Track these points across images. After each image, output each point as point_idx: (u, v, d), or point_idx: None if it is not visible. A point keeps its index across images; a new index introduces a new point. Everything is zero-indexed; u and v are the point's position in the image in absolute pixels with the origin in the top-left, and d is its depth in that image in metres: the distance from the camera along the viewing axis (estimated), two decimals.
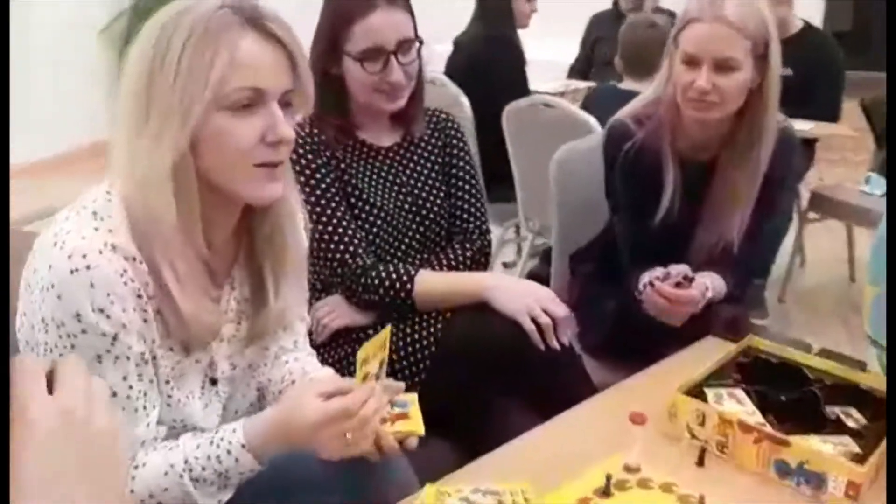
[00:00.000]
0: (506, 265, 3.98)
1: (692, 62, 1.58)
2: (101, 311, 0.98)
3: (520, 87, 3.30)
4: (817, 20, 5.30)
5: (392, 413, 1.12)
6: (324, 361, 1.56)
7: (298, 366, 1.27)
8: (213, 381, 1.17)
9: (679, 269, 1.58)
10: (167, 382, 1.09)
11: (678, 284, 1.56)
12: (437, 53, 5.29)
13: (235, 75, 1.01)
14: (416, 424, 1.09)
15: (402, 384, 1.19)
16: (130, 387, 1.03)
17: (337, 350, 1.56)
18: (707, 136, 1.67)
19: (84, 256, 0.98)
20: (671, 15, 4.30)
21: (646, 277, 1.59)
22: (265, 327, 1.18)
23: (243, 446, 1.05)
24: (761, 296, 3.38)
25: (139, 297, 1.01)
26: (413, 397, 1.14)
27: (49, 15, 4.80)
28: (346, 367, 1.54)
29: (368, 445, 1.06)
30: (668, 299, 1.55)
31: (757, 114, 1.62)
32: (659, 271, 1.59)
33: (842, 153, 5.33)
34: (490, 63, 3.31)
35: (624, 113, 1.75)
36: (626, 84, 3.10)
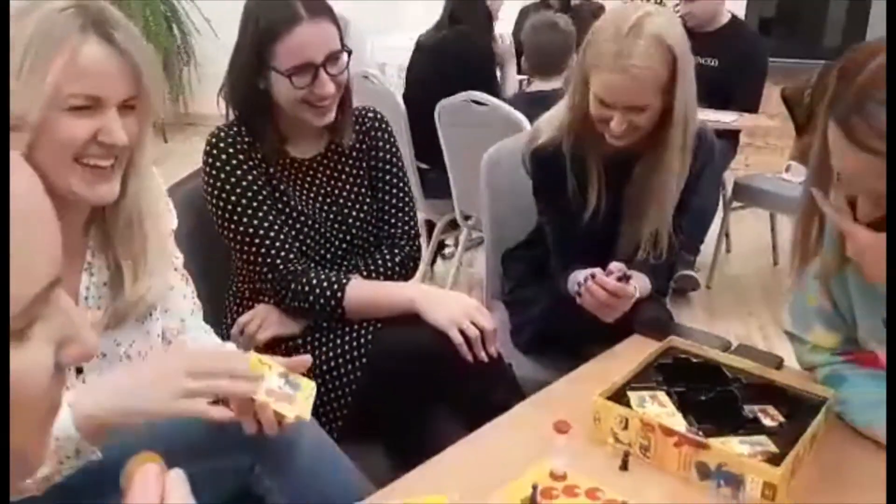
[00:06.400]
0: (444, 257, 3.99)
1: (604, 104, 1.61)
2: None
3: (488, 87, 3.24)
4: (742, 6, 5.43)
5: (281, 390, 1.08)
6: None
7: (185, 338, 1.29)
8: (79, 370, 1.14)
9: (619, 266, 1.62)
10: None
11: (619, 280, 1.60)
12: (387, 46, 5.15)
13: (72, 82, 1.01)
14: (298, 409, 1.05)
15: (308, 358, 1.14)
16: None
17: None
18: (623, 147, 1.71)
19: None
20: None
21: (584, 273, 1.62)
22: (126, 312, 1.17)
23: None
24: (691, 268, 3.54)
25: None
26: (311, 385, 1.10)
27: None
28: None
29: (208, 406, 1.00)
30: (608, 293, 1.58)
31: (665, 127, 1.64)
32: (598, 270, 1.62)
33: (765, 139, 5.50)
34: (463, 65, 3.26)
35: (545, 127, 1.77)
36: (535, 85, 3.13)
